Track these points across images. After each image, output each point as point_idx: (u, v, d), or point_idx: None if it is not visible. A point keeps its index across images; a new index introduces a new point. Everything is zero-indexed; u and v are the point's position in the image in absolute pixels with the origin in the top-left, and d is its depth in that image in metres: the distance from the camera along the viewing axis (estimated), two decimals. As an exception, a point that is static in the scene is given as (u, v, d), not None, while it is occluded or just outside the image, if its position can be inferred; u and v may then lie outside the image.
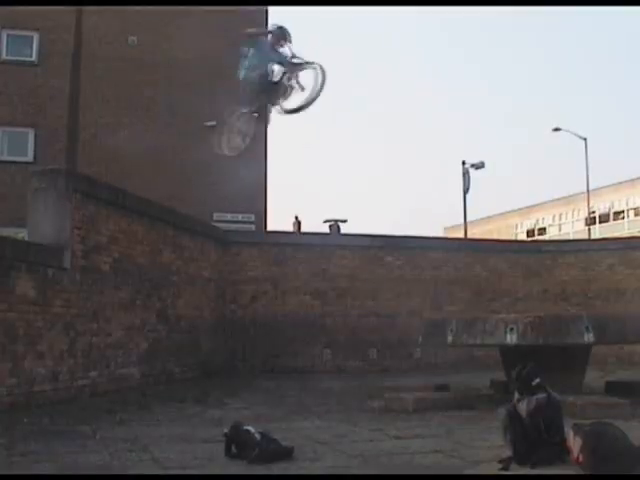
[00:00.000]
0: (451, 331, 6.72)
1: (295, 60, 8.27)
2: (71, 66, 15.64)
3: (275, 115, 8.71)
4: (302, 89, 8.27)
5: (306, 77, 8.27)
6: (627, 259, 13.27)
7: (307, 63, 8.29)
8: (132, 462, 3.95)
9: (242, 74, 8.38)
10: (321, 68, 8.18)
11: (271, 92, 8.38)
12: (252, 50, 8.33)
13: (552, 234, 52.32)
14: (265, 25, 24.45)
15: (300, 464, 3.86)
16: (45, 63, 21.61)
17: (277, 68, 8.34)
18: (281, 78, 8.31)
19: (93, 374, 7.49)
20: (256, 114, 8.69)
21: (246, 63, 8.36)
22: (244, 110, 8.72)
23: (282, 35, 8.30)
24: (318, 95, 8.13)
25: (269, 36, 8.43)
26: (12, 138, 21.68)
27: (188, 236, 10.27)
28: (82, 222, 7.42)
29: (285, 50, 8.34)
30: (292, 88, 8.32)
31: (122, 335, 8.21)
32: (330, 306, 12.20)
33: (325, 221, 20.76)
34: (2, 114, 21.11)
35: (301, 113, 8.46)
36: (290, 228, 20.44)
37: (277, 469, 3.76)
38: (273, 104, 8.52)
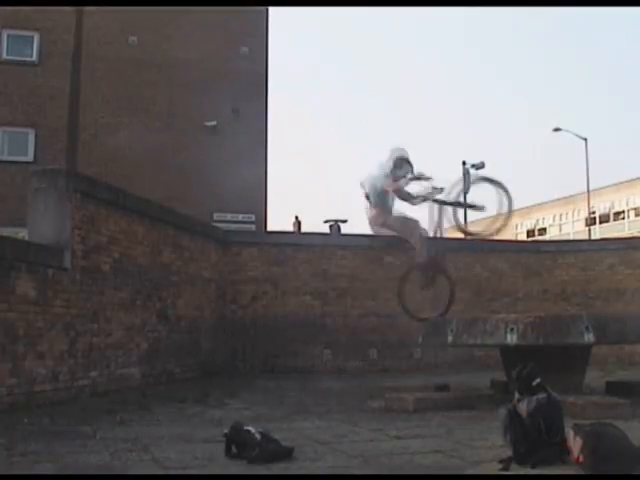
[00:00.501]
0: (451, 331, 6.72)
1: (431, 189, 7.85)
2: (71, 66, 15.65)
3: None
4: (482, 209, 7.83)
5: (480, 193, 7.83)
6: (627, 259, 13.25)
7: (480, 179, 7.90)
8: (132, 462, 3.96)
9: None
10: (501, 185, 7.74)
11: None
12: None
13: (552, 234, 52.35)
14: (265, 26, 24.48)
15: (300, 464, 3.87)
16: (45, 63, 21.65)
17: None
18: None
19: (93, 374, 7.49)
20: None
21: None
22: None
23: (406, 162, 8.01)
24: (510, 216, 7.69)
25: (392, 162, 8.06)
26: (12, 138, 21.71)
27: (188, 236, 10.27)
28: (82, 222, 7.42)
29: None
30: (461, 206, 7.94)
31: (122, 335, 8.21)
32: (330, 306, 12.20)
33: (325, 221, 20.76)
34: (2, 114, 21.15)
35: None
36: (290, 228, 20.45)
37: (277, 469, 3.77)
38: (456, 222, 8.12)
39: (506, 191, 7.64)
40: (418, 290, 8.00)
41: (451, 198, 7.83)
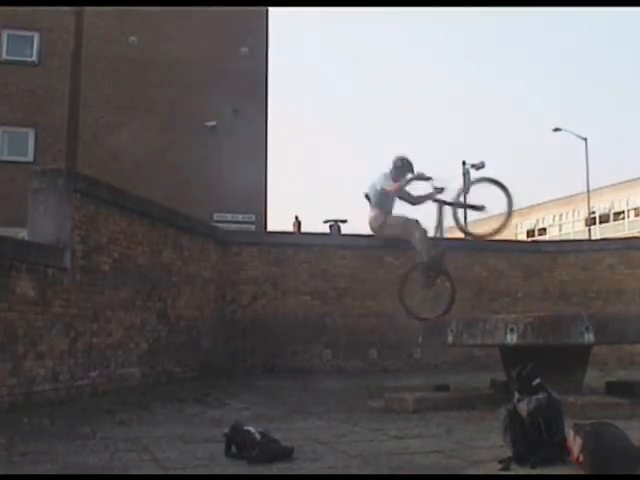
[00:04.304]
0: (451, 331, 6.72)
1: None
2: (71, 66, 15.64)
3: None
4: (482, 209, 7.70)
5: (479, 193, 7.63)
6: (627, 259, 13.24)
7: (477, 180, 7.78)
8: (132, 462, 3.95)
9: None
10: (501, 185, 7.52)
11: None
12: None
13: (552, 234, 52.36)
14: (265, 26, 24.46)
15: (300, 464, 3.87)
16: (45, 63, 21.65)
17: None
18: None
19: (93, 374, 7.49)
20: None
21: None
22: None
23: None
24: (510, 216, 7.53)
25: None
26: (12, 138, 21.72)
27: (188, 236, 10.27)
28: (82, 222, 7.42)
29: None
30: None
31: (122, 335, 8.21)
32: (330, 306, 12.19)
33: (325, 221, 20.74)
34: (2, 114, 21.14)
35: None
36: (290, 228, 20.44)
37: (277, 469, 3.76)
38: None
39: (506, 191, 7.57)
40: (419, 290, 7.94)
41: (452, 198, 7.79)
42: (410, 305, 8.01)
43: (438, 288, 7.98)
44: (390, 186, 7.91)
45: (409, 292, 8.06)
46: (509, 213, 7.48)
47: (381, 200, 8.00)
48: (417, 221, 8.30)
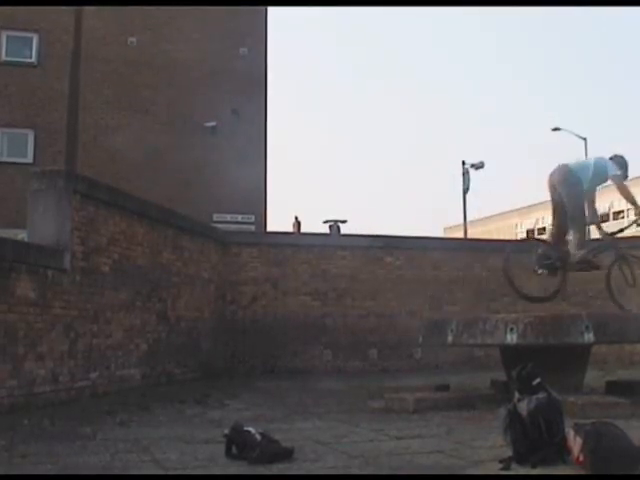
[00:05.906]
0: (451, 331, 6.72)
1: None
2: (70, 67, 15.63)
3: None
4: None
5: None
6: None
7: None
8: (133, 463, 3.96)
9: None
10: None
11: None
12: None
13: (552, 234, 52.20)
14: (264, 26, 24.43)
15: (301, 464, 3.87)
16: (45, 64, 21.63)
17: None
18: None
19: (93, 375, 7.49)
20: None
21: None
22: None
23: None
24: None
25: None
26: (11, 139, 21.70)
27: (188, 237, 10.27)
28: (82, 223, 7.42)
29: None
30: None
31: (122, 336, 8.21)
32: (330, 307, 12.19)
33: (325, 221, 20.77)
34: (2, 115, 21.12)
35: None
36: (290, 228, 20.45)
37: (277, 470, 3.77)
38: None
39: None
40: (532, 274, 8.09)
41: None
42: (520, 285, 8.10)
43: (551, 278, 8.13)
44: (620, 181, 7.87)
45: (517, 274, 8.18)
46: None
47: (594, 179, 7.85)
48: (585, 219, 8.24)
